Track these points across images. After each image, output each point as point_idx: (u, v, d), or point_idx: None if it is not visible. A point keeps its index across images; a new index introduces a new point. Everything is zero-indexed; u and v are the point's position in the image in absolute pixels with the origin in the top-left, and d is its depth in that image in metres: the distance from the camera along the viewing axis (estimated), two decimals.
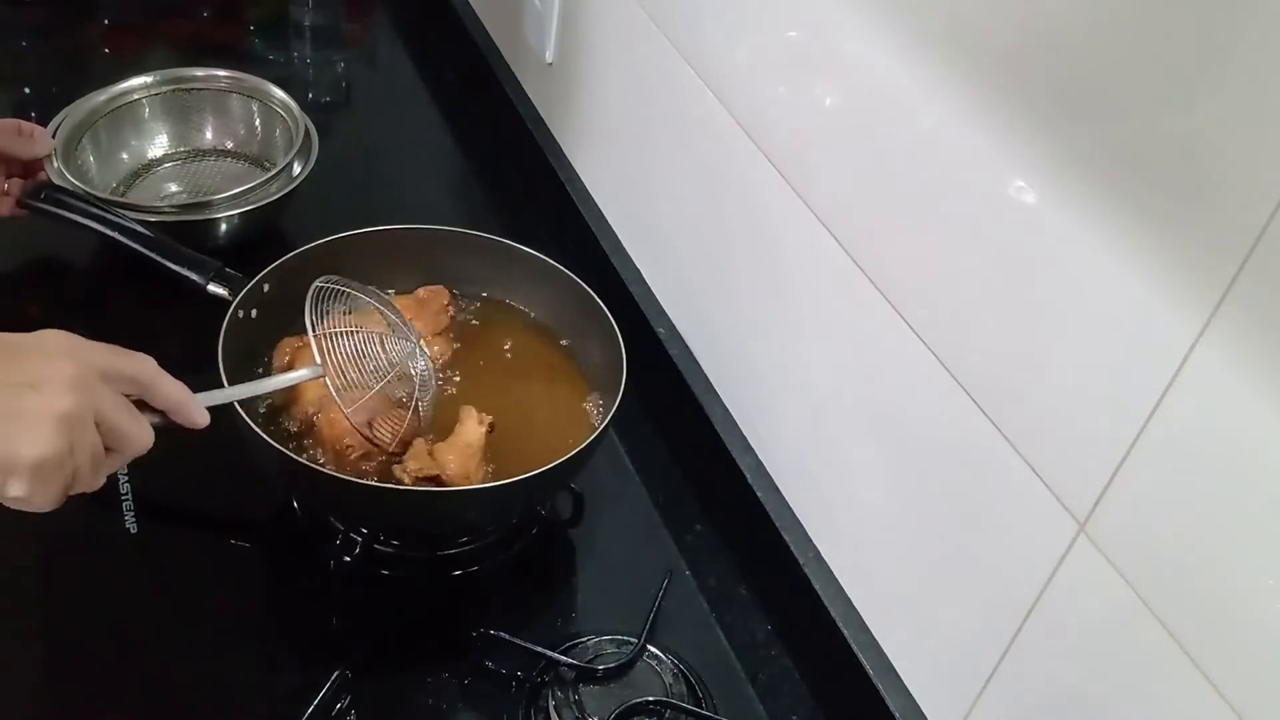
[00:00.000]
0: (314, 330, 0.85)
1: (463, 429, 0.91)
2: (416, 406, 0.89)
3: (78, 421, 0.66)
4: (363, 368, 0.86)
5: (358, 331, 0.88)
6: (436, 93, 1.46)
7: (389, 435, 0.88)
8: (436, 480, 0.87)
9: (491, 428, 0.92)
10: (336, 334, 0.86)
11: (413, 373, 0.89)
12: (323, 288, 0.87)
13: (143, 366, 0.72)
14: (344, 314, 0.88)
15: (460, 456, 0.89)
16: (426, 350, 0.93)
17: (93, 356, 0.69)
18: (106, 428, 0.68)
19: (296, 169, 1.15)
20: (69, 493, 0.68)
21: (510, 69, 1.36)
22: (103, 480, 0.70)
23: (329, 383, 0.85)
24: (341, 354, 0.85)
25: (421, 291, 1.03)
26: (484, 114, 1.39)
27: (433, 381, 0.92)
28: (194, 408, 0.75)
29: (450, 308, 1.02)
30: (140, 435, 0.70)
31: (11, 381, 0.65)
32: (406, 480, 0.87)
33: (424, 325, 0.99)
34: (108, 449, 0.70)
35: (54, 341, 0.68)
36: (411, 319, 0.95)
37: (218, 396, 0.80)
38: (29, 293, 1.11)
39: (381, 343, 0.89)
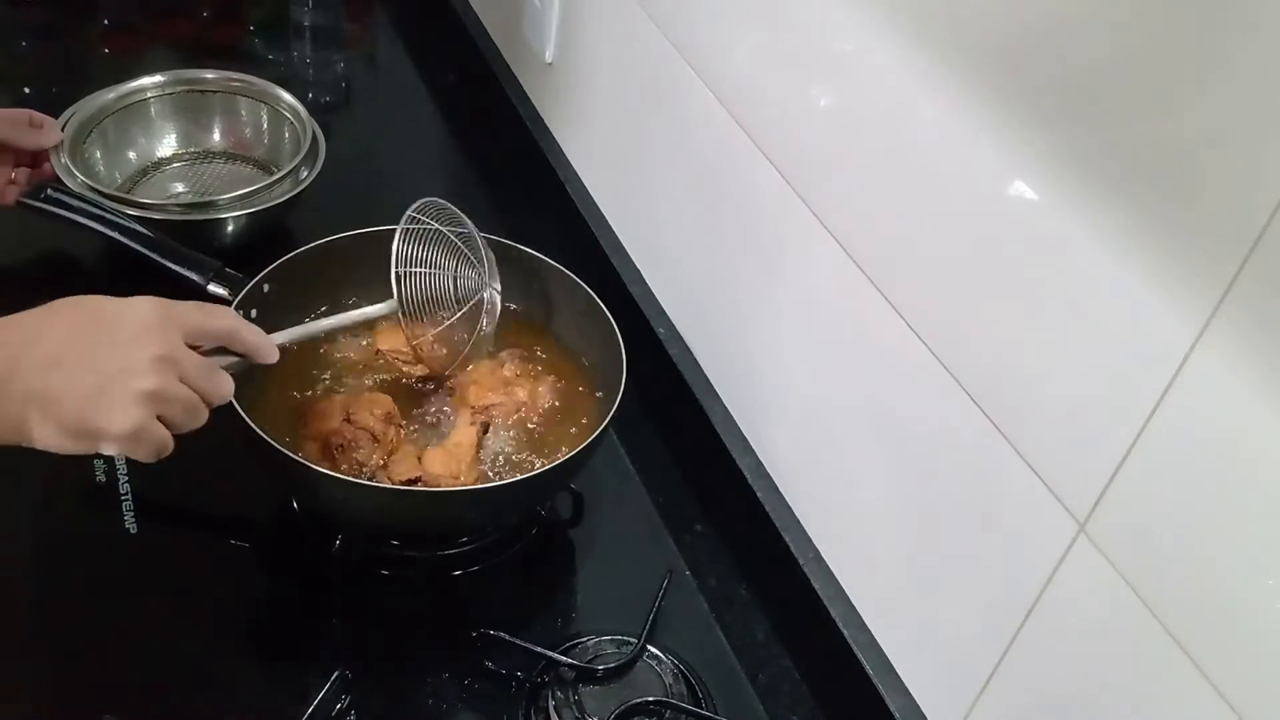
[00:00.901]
0: (395, 267, 0.89)
1: (455, 431, 0.91)
2: (477, 337, 0.94)
3: (161, 394, 0.72)
4: (432, 303, 0.91)
5: (432, 270, 0.91)
6: (436, 93, 1.46)
7: (448, 359, 0.94)
8: (416, 483, 0.88)
9: (485, 428, 0.92)
10: (412, 271, 0.90)
11: (480, 314, 0.94)
12: (410, 229, 0.91)
13: (227, 323, 0.79)
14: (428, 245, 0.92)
15: (446, 456, 0.89)
16: (497, 287, 0.95)
17: (182, 321, 0.75)
18: (193, 388, 0.75)
19: (303, 174, 1.15)
20: (170, 445, 0.75)
21: (510, 69, 1.36)
22: (203, 420, 0.77)
23: (401, 319, 0.90)
24: (414, 290, 0.90)
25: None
26: (484, 114, 1.39)
27: (495, 314, 0.95)
28: (270, 349, 0.82)
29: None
30: (221, 390, 0.78)
31: (102, 365, 0.71)
32: (389, 483, 0.87)
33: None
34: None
35: (145, 314, 0.74)
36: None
37: (287, 335, 0.86)
38: (32, 289, 1.10)
39: (454, 280, 0.92)
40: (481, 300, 0.94)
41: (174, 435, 0.75)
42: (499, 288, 0.96)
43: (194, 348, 0.76)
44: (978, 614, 0.73)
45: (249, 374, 0.81)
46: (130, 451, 0.73)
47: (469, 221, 0.95)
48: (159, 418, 0.73)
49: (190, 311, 0.77)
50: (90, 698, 0.80)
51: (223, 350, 0.79)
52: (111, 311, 0.74)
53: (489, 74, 1.37)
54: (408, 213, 0.91)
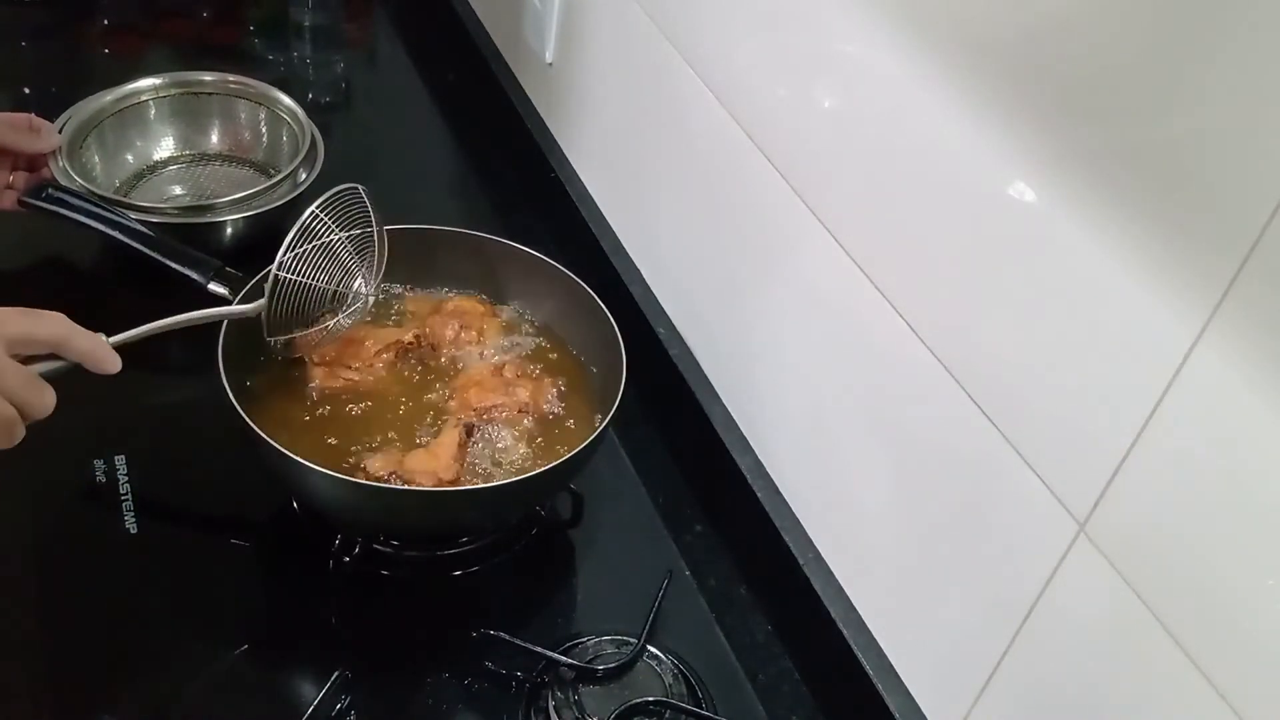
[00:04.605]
0: (276, 269, 0.89)
1: (441, 433, 0.91)
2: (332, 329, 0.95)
3: None
4: (301, 312, 0.92)
5: (312, 280, 0.91)
6: (436, 93, 1.46)
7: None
8: (391, 479, 0.88)
9: (470, 431, 0.92)
10: (290, 277, 0.90)
11: (342, 316, 0.95)
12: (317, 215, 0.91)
13: (55, 328, 0.75)
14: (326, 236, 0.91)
15: (427, 455, 0.89)
16: (368, 300, 0.96)
17: (2, 328, 0.71)
18: (10, 399, 0.71)
19: (301, 176, 1.15)
20: None
21: (510, 69, 1.36)
22: (19, 439, 0.73)
23: (264, 323, 0.90)
24: (290, 290, 0.90)
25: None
26: (484, 114, 1.39)
27: (362, 312, 0.96)
28: (106, 357, 0.78)
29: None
30: (41, 402, 0.73)
31: None
32: (365, 477, 0.87)
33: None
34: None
35: None
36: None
37: (128, 335, 0.82)
38: (31, 290, 1.10)
39: (335, 287, 0.93)
40: (357, 305, 0.95)
41: None
42: (373, 294, 0.96)
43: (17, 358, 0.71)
44: (978, 614, 0.73)
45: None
46: None
47: (373, 211, 0.94)
48: None
49: (11, 317, 0.72)
50: (90, 698, 0.80)
51: (51, 356, 0.75)
52: None
53: (489, 74, 1.37)
54: (311, 208, 0.90)
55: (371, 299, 0.96)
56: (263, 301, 0.89)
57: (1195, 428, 0.56)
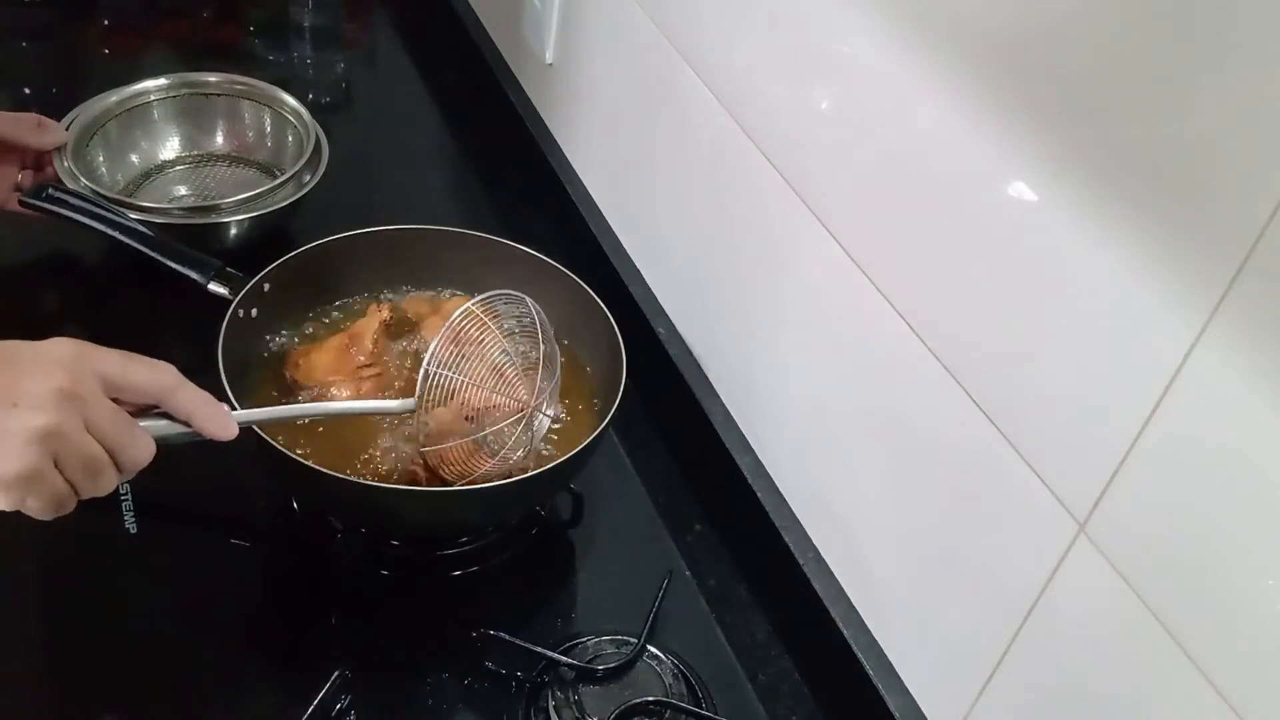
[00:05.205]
0: (428, 363, 0.81)
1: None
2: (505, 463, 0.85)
3: (57, 437, 0.65)
4: (456, 412, 0.83)
5: (468, 380, 0.83)
6: (436, 93, 1.46)
7: (454, 474, 0.85)
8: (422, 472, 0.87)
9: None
10: (446, 373, 0.82)
11: (506, 438, 0.84)
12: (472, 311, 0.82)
13: (158, 377, 0.71)
14: (475, 339, 0.83)
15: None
16: (550, 413, 0.87)
17: (98, 366, 0.67)
18: (100, 439, 0.67)
19: (306, 178, 1.15)
20: (71, 501, 0.69)
21: (510, 69, 1.36)
22: (109, 487, 0.70)
23: (417, 424, 0.83)
24: (442, 391, 0.82)
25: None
26: (484, 114, 1.39)
27: (535, 440, 0.86)
28: (215, 420, 0.73)
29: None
30: (135, 449, 0.69)
31: None
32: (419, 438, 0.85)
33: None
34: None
35: (55, 351, 0.67)
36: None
37: (259, 414, 0.79)
38: (34, 290, 1.11)
39: (494, 394, 0.83)
40: (525, 421, 0.84)
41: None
42: (552, 413, 0.87)
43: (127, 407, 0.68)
44: (978, 614, 0.73)
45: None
46: (20, 503, 0.65)
47: (544, 323, 0.84)
48: (59, 469, 0.65)
49: (111, 356, 0.68)
50: (90, 698, 0.80)
51: (165, 415, 0.71)
52: (19, 349, 0.66)
53: (489, 74, 1.37)
54: (467, 305, 0.82)
55: (548, 422, 0.86)
56: (411, 401, 0.82)
57: (1195, 428, 0.56)
